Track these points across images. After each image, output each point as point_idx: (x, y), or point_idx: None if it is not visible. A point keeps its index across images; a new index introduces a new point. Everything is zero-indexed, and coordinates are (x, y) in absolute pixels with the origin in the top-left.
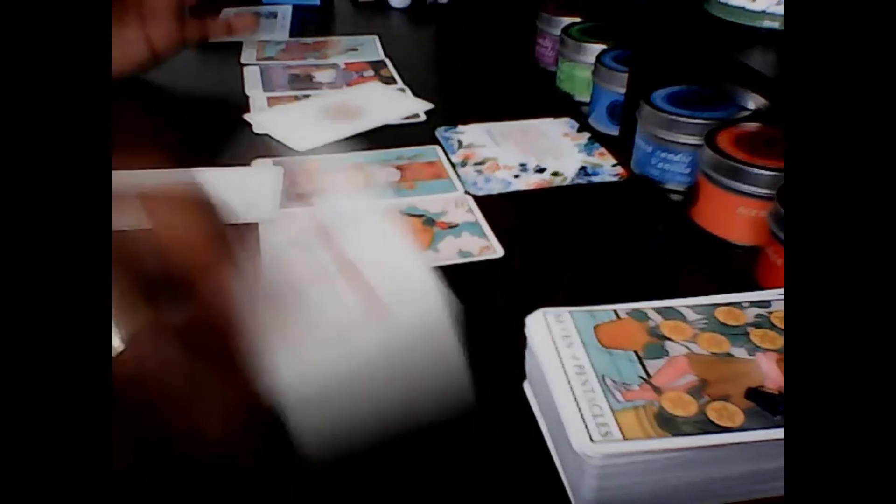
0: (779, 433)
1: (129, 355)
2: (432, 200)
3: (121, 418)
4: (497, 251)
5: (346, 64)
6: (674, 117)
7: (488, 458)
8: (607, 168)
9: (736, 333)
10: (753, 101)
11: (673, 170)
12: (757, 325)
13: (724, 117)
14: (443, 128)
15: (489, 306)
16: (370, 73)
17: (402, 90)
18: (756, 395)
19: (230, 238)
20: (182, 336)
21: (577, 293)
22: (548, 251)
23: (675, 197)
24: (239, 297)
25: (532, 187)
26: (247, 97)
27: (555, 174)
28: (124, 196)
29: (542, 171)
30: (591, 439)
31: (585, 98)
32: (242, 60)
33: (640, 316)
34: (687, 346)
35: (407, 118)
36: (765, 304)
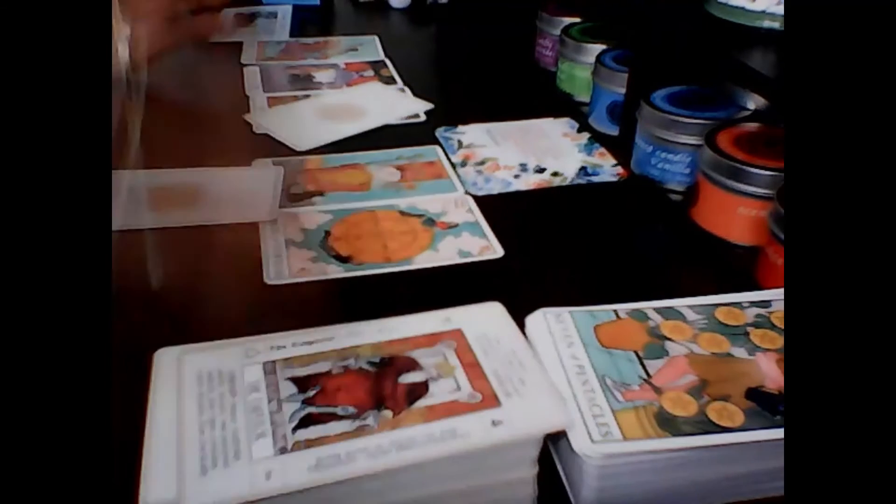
0: (779, 433)
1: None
2: (432, 200)
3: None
4: (497, 251)
5: (346, 64)
6: (674, 117)
7: None
8: (607, 168)
9: (736, 333)
10: (753, 101)
11: (673, 170)
12: (757, 325)
13: (724, 117)
14: (443, 128)
15: None
16: (370, 73)
17: (402, 90)
18: (756, 395)
19: None
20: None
21: (577, 293)
22: (548, 251)
23: (675, 197)
24: None
25: (532, 187)
26: (247, 97)
27: (555, 174)
28: None
29: (542, 171)
30: (591, 439)
31: (585, 98)
32: (242, 60)
33: (640, 316)
34: (687, 346)
35: (407, 118)
36: (765, 304)
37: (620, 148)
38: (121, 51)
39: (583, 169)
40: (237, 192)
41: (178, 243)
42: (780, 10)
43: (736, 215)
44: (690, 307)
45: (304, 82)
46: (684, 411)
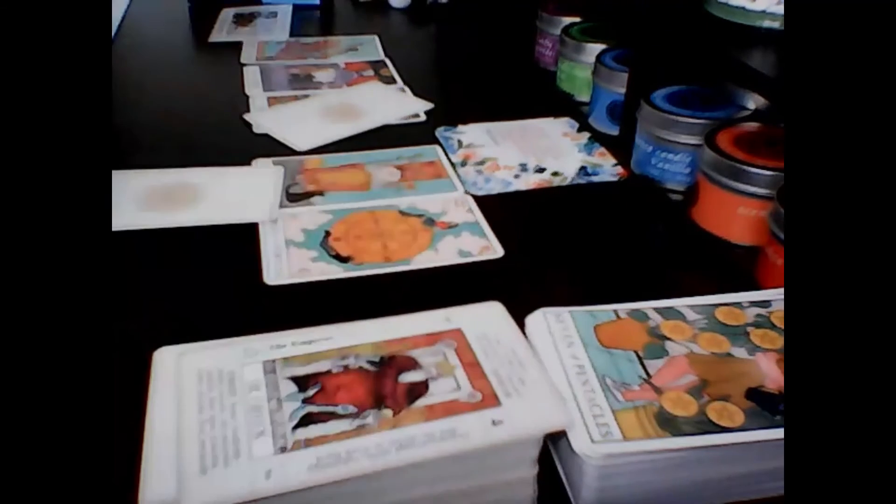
0: (779, 433)
1: None
2: (432, 200)
3: None
4: (497, 251)
5: (346, 64)
6: (674, 117)
7: None
8: (607, 168)
9: (736, 333)
10: (753, 101)
11: (673, 170)
12: (757, 325)
13: (724, 117)
14: (443, 128)
15: None
16: (370, 73)
17: (402, 90)
18: (756, 395)
19: None
20: None
21: (577, 293)
22: (548, 251)
23: (675, 197)
24: None
25: (532, 187)
26: (247, 97)
27: (555, 174)
28: None
29: (542, 171)
30: (592, 439)
31: (585, 98)
32: (242, 60)
33: (640, 316)
34: (687, 346)
35: (407, 118)
36: (765, 304)
37: (620, 148)
38: None
39: (583, 169)
40: (237, 192)
41: (177, 243)
42: (780, 10)
43: (736, 215)
44: (690, 307)
45: (304, 82)
46: (684, 411)
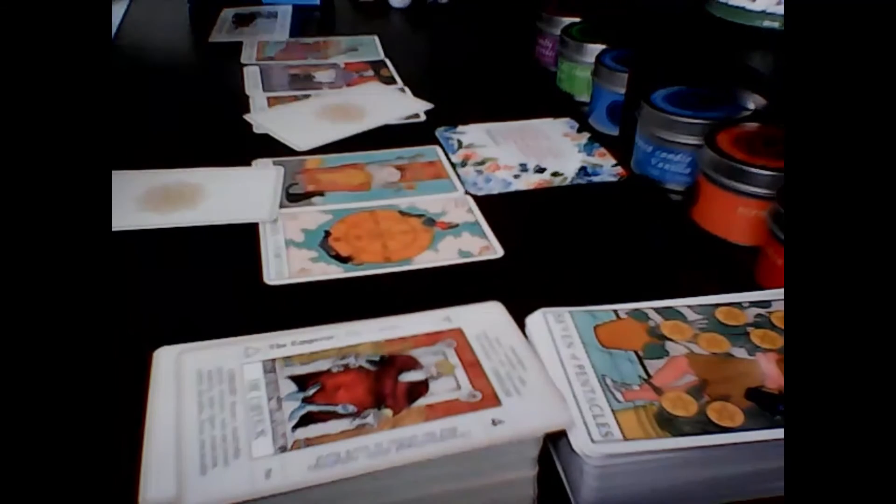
0: (779, 433)
1: None
2: (432, 200)
3: None
4: (497, 251)
5: (346, 64)
6: (674, 117)
7: None
8: (607, 168)
9: (736, 333)
10: (753, 101)
11: (673, 170)
12: (757, 325)
13: (724, 117)
14: (443, 128)
15: None
16: (370, 73)
17: (402, 90)
18: (756, 395)
19: None
20: None
21: (577, 293)
22: (548, 251)
23: (675, 197)
24: None
25: (532, 187)
26: (247, 97)
27: (555, 174)
28: None
29: (542, 171)
30: (592, 439)
31: (585, 98)
32: (242, 60)
33: (640, 316)
34: (687, 346)
35: (407, 118)
36: (765, 304)
37: (620, 148)
38: None
39: (583, 169)
40: (237, 192)
41: (177, 243)
42: (780, 10)
43: (736, 215)
44: (690, 307)
45: (304, 82)
46: (684, 411)
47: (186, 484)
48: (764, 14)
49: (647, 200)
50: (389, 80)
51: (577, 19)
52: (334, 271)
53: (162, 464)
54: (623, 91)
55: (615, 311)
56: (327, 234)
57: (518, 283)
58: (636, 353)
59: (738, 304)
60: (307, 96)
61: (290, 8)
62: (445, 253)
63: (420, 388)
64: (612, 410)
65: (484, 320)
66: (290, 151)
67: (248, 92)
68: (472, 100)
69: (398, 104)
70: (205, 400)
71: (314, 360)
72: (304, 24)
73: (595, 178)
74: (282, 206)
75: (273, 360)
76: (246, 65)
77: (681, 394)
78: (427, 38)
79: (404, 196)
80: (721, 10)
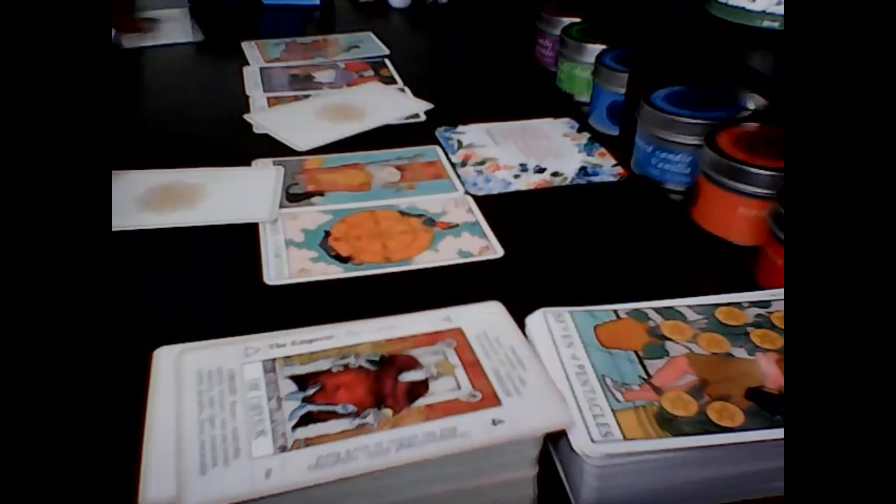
0: (779, 433)
1: None
2: (432, 200)
3: None
4: (497, 251)
5: (346, 64)
6: (674, 117)
7: None
8: (607, 168)
9: (736, 333)
10: (753, 101)
11: (673, 170)
12: (757, 325)
13: (724, 117)
14: (443, 128)
15: None
16: (370, 73)
17: (402, 90)
18: (756, 395)
19: None
20: None
21: (577, 293)
22: (547, 251)
23: (675, 197)
24: None
25: (532, 187)
26: (247, 97)
27: (555, 174)
28: None
29: (542, 171)
30: (592, 439)
31: (585, 98)
32: (245, 61)
33: (640, 316)
34: (687, 346)
35: (407, 118)
36: (765, 304)
37: (620, 148)
38: None
39: (583, 169)
40: (237, 192)
41: (177, 243)
42: (780, 10)
43: (736, 215)
44: (690, 307)
45: (304, 82)
46: (684, 411)
47: (186, 484)
48: (764, 14)
49: (647, 200)
50: (389, 80)
51: (577, 19)
52: (334, 271)
53: (162, 464)
54: (623, 91)
55: (615, 311)
56: (327, 234)
57: (518, 283)
58: (636, 353)
59: (738, 304)
60: (307, 96)
61: (186, 10)
62: (445, 253)
63: (420, 388)
64: (612, 410)
65: (484, 320)
66: (290, 151)
67: (248, 92)
68: (472, 100)
69: (398, 104)
70: (205, 400)
71: (314, 360)
72: (304, 24)
73: (595, 178)
74: (282, 206)
75: (273, 360)
76: (246, 65)
77: (681, 394)
78: (427, 38)
79: (404, 196)
80: (721, 10)
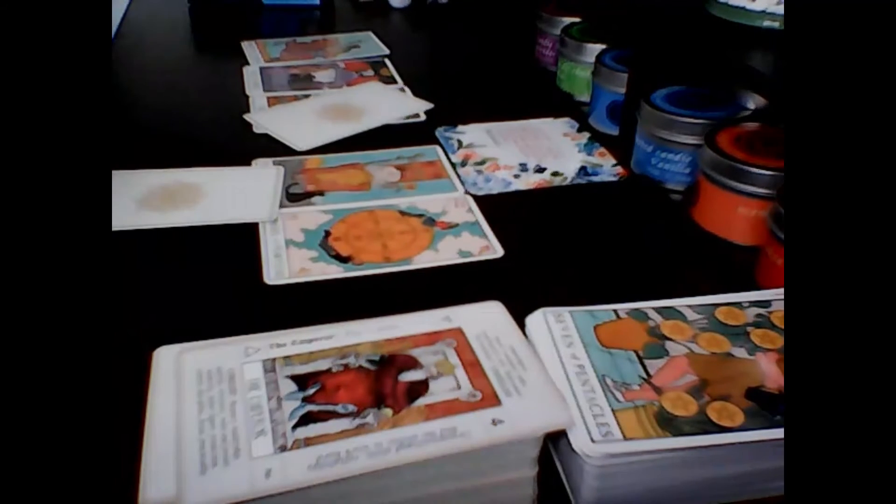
0: (779, 433)
1: None
2: (432, 200)
3: None
4: (497, 251)
5: (346, 63)
6: (674, 117)
7: None
8: (607, 168)
9: (736, 333)
10: (753, 101)
11: (673, 170)
12: (757, 325)
13: (724, 117)
14: (443, 128)
15: None
16: (370, 72)
17: (402, 90)
18: (756, 395)
19: None
20: None
21: (577, 293)
22: (547, 251)
23: (675, 197)
24: None
25: (532, 187)
26: (247, 97)
27: (555, 174)
28: None
29: (542, 170)
30: (592, 439)
31: (585, 98)
32: (246, 61)
33: (640, 316)
34: (687, 346)
35: (407, 118)
36: (765, 304)
37: (620, 148)
38: None
39: (583, 169)
40: (237, 191)
41: (177, 243)
42: (780, 10)
43: (736, 215)
44: (690, 307)
45: (304, 82)
46: (684, 411)
47: (186, 484)
48: (764, 14)
49: (647, 200)
50: (389, 80)
51: (577, 19)
52: (334, 271)
53: (162, 464)
54: (623, 91)
55: (615, 311)
56: (327, 233)
57: (518, 283)
58: (636, 352)
59: (738, 304)
60: (307, 96)
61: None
62: (445, 253)
63: (420, 388)
64: (612, 410)
65: (484, 320)
66: (290, 151)
67: (247, 92)
68: (472, 100)
69: (398, 104)
70: (205, 399)
71: (314, 360)
72: (304, 24)
73: (595, 178)
74: (282, 205)
75: (273, 360)
76: (246, 65)
77: (681, 393)
78: (427, 38)
79: (404, 196)
80: (721, 10)
